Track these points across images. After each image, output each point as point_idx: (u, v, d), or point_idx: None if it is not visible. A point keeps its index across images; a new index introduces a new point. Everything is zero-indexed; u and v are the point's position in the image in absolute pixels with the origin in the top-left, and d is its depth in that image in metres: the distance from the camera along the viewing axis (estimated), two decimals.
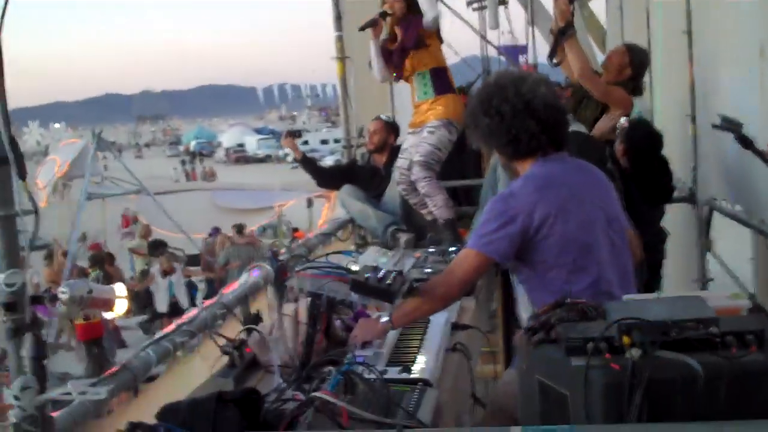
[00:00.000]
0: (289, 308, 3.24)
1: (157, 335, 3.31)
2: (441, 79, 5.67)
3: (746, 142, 2.49)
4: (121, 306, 2.59)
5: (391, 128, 6.66)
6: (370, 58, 5.84)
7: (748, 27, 4.37)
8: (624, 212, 3.38)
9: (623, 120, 5.16)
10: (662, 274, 5.92)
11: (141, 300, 15.51)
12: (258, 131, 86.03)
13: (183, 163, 61.23)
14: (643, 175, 5.02)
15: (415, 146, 5.70)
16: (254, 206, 25.41)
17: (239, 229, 18.52)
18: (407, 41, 5.59)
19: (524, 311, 3.69)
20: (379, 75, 5.85)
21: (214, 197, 29.26)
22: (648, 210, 4.85)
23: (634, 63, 5.63)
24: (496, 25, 14.20)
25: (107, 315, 2.73)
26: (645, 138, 5.12)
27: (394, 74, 5.81)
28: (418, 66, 5.67)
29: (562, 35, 5.18)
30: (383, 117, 6.84)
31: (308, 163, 6.78)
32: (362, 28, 5.82)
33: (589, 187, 3.23)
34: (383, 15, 5.73)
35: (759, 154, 2.58)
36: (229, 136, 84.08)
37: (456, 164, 7.21)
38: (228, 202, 27.63)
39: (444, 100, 5.64)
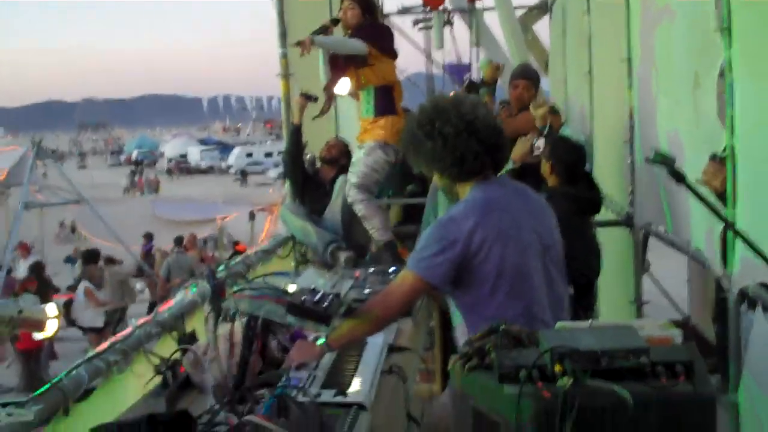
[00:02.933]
0: (224, 328, 3.21)
1: (90, 353, 3.26)
2: (384, 99, 5.65)
3: (678, 177, 2.53)
4: (52, 326, 2.54)
5: (347, 152, 6.60)
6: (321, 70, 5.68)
7: (683, 57, 4.45)
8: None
9: (537, 141, 5.29)
10: (597, 294, 5.99)
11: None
12: (202, 142, 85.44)
13: (133, 174, 60.17)
14: (572, 187, 5.11)
15: (352, 167, 5.73)
16: (196, 218, 25.26)
17: (178, 241, 18.46)
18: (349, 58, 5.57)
19: (461, 334, 3.70)
20: (324, 78, 5.69)
21: (155, 208, 29.00)
22: (578, 222, 4.93)
23: (535, 83, 6.29)
24: (441, 45, 14.39)
25: (37, 336, 2.68)
26: (569, 152, 5.23)
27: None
28: (365, 82, 5.64)
29: None
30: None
31: (297, 143, 6.45)
32: (314, 33, 5.70)
33: (528, 213, 3.24)
34: (334, 21, 5.70)
35: (691, 188, 2.63)
36: (171, 146, 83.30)
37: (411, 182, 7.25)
38: (169, 213, 27.41)
39: (383, 122, 5.63)
